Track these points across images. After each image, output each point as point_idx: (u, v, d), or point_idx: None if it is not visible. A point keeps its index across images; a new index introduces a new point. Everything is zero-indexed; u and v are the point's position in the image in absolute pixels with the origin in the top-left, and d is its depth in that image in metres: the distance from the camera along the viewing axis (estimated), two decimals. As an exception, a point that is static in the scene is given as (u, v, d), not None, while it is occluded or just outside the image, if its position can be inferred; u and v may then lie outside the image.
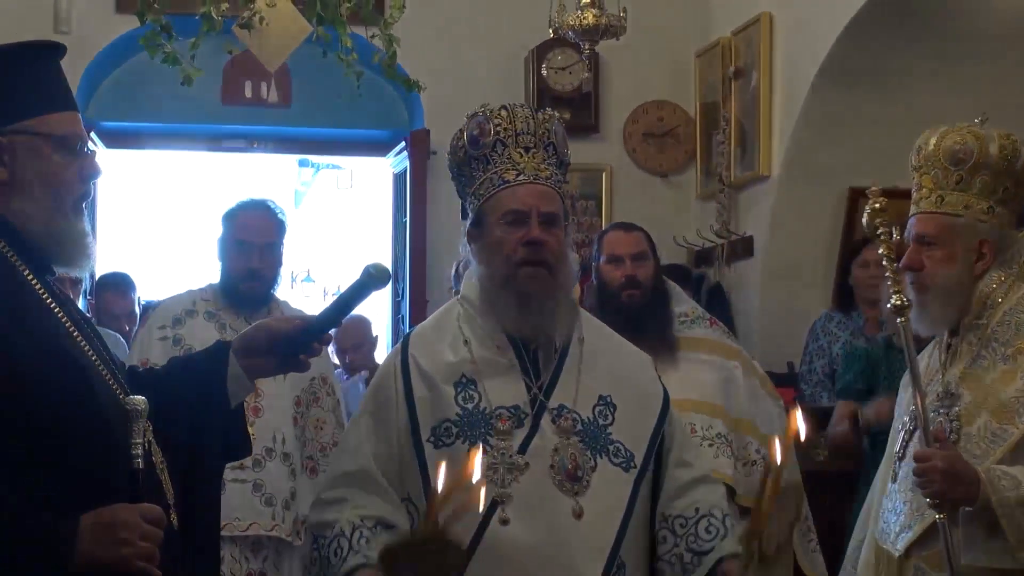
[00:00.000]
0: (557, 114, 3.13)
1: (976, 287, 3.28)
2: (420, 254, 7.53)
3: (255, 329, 2.72)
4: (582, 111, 7.66)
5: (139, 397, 2.37)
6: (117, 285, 6.65)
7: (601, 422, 2.93)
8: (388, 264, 7.98)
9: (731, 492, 4.58)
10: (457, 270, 6.13)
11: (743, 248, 7.23)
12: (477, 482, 2.16)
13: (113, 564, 2.25)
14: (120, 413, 2.38)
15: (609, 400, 2.97)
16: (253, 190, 5.82)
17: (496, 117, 2.97)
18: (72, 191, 2.50)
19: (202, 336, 4.66)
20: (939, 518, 3.06)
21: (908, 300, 3.16)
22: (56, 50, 2.59)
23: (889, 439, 3.56)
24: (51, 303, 2.44)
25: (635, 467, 2.91)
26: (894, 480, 3.32)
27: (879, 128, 6.65)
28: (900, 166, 6.66)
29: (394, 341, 7.88)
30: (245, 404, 4.54)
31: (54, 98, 2.52)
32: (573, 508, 2.82)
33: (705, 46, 7.62)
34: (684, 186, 7.83)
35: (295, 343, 2.66)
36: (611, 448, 2.91)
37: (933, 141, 3.31)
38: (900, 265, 3.33)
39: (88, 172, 2.53)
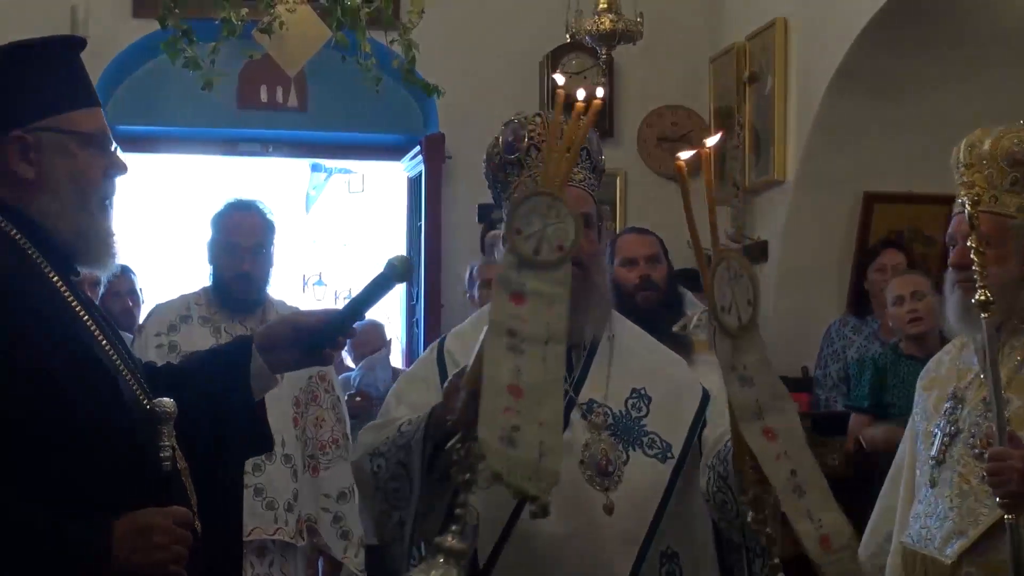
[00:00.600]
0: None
1: (1022, 291, 3.26)
2: (435, 258, 7.55)
3: (279, 323, 2.73)
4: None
5: (167, 400, 2.38)
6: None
7: (635, 414, 2.95)
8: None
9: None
10: (471, 274, 6.17)
11: (758, 253, 7.22)
12: None
13: (148, 568, 2.26)
14: (146, 416, 2.38)
15: (643, 392, 2.98)
16: (266, 194, 5.83)
17: (531, 123, 3.00)
18: (98, 189, 2.49)
19: (198, 341, 4.67)
20: (1008, 519, 3.03)
21: (992, 297, 3.09)
22: (78, 45, 2.58)
23: (908, 443, 3.55)
24: (77, 306, 2.43)
25: (672, 457, 2.92)
26: (933, 485, 3.30)
27: (894, 133, 6.66)
28: (915, 171, 6.76)
29: (408, 345, 7.90)
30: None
31: (78, 94, 2.51)
32: (604, 504, 2.83)
33: (720, 51, 7.62)
34: (698, 190, 7.79)
35: (319, 336, 2.65)
36: (645, 440, 2.92)
37: (989, 140, 3.28)
38: (950, 262, 3.31)
39: (114, 169, 2.52)
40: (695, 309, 4.92)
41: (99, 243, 2.50)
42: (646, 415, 2.95)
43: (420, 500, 2.75)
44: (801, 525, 2.38)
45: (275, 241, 4.81)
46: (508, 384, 2.27)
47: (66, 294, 2.44)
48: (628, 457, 2.89)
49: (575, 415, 2.91)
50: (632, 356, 3.05)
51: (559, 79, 2.67)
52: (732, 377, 2.36)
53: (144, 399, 2.44)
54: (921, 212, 6.95)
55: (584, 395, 2.95)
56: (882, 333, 6.21)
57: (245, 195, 5.00)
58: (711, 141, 2.56)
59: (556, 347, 2.37)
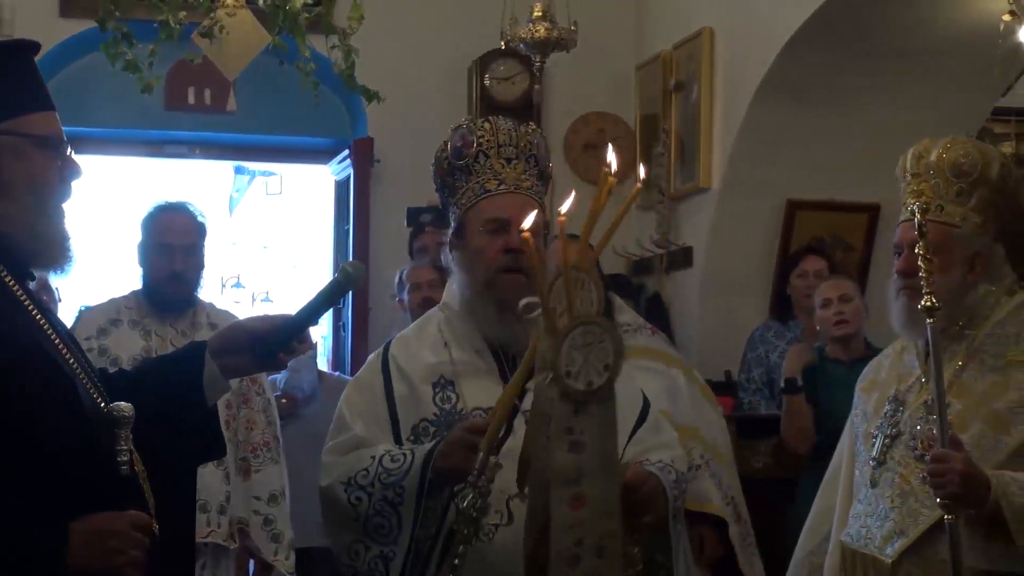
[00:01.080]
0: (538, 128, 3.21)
1: (965, 298, 3.35)
2: (363, 262, 7.54)
3: (233, 328, 2.72)
4: (524, 121, 7.69)
5: (125, 404, 2.38)
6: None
7: None
8: (328, 271, 8.02)
9: None
10: (401, 278, 6.20)
11: (682, 259, 7.32)
12: None
13: (105, 572, 2.25)
14: (104, 420, 2.38)
15: None
16: (191, 197, 5.80)
17: (479, 129, 3.06)
18: (54, 192, 2.48)
19: (127, 345, 4.68)
20: (948, 519, 3.11)
21: (939, 303, 3.16)
22: (31, 48, 2.56)
23: (847, 444, 3.64)
24: (33, 310, 2.43)
25: None
26: (873, 485, 3.39)
27: (817, 142, 6.77)
28: (836, 179, 6.89)
29: (335, 348, 7.90)
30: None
31: (33, 97, 2.49)
32: None
33: (646, 59, 7.70)
34: (623, 197, 7.85)
35: (273, 342, 2.66)
36: None
37: (936, 151, 3.36)
38: (896, 268, 3.39)
39: (69, 173, 2.51)
40: (624, 315, 4.99)
41: (56, 246, 2.49)
42: None
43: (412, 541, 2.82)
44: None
45: (206, 243, 4.81)
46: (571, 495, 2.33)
47: (22, 298, 2.43)
48: None
49: (519, 422, 2.92)
50: None
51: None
52: (563, 441, 2.35)
53: (102, 403, 2.44)
54: (842, 220, 7.10)
55: (528, 402, 2.93)
56: (804, 338, 6.31)
57: (174, 197, 4.99)
58: (610, 155, 2.55)
59: (614, 486, 2.40)
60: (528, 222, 2.57)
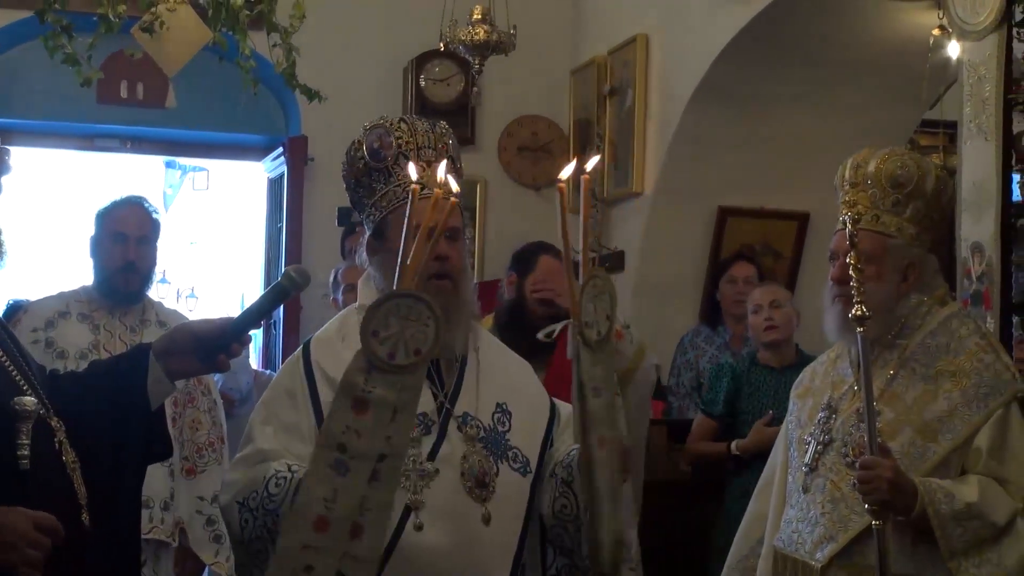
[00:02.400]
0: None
1: (897, 307, 3.41)
2: (295, 260, 7.52)
3: (178, 331, 2.73)
4: (459, 123, 7.74)
5: (28, 399, 2.38)
6: None
7: (500, 429, 2.99)
8: (259, 268, 7.99)
9: None
10: (336, 277, 6.19)
11: (614, 262, 7.35)
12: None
13: None
14: (4, 414, 2.39)
15: (505, 407, 3.02)
16: (123, 191, 5.77)
17: (397, 130, 2.99)
18: None
19: (75, 338, 4.66)
20: (875, 525, 3.16)
21: (869, 312, 3.20)
22: None
23: (781, 450, 3.69)
24: None
25: (530, 472, 2.99)
26: (805, 491, 3.43)
27: (749, 149, 6.85)
28: (768, 187, 6.97)
29: (266, 347, 7.87)
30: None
31: None
32: (483, 514, 2.88)
33: (581, 64, 7.75)
34: (556, 200, 7.92)
35: (216, 344, 2.68)
36: (510, 454, 2.97)
37: (875, 161, 3.41)
38: (830, 276, 3.45)
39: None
40: None
41: None
42: (509, 430, 3.00)
43: None
44: (602, 532, 2.58)
45: (159, 239, 4.81)
46: (316, 516, 2.35)
47: None
48: (498, 469, 2.93)
49: (452, 427, 2.94)
50: (495, 371, 3.09)
51: (412, 173, 2.66)
52: (588, 388, 2.46)
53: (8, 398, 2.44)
54: (771, 227, 7.19)
55: (459, 407, 2.97)
56: (732, 344, 6.39)
57: (121, 193, 4.98)
58: (591, 164, 2.64)
59: (394, 462, 2.44)
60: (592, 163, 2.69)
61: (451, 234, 2.97)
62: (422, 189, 2.91)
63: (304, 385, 2.96)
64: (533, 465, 3.00)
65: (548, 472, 3.02)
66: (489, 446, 2.95)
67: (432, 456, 2.90)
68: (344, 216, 6.98)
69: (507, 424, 3.01)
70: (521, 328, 4.70)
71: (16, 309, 6.03)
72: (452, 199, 2.61)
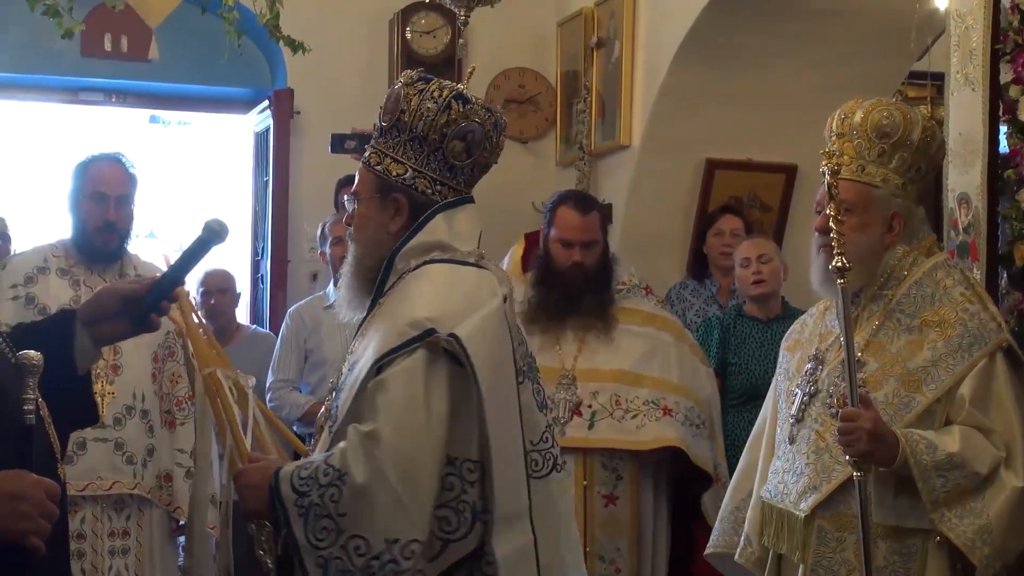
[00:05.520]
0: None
1: (883, 258, 3.41)
2: (282, 214, 7.50)
3: (104, 295, 2.70)
4: (445, 75, 7.67)
5: (34, 352, 2.34)
6: None
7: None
8: (246, 222, 7.96)
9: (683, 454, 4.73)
10: (323, 230, 6.18)
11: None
12: None
13: (8, 536, 2.22)
14: (10, 369, 2.37)
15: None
16: (106, 145, 5.73)
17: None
18: None
19: (56, 293, 4.64)
20: (856, 476, 3.19)
21: (848, 263, 3.21)
22: None
23: (772, 402, 3.70)
24: None
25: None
26: (792, 442, 3.45)
27: (736, 102, 6.82)
28: (754, 139, 6.95)
29: (252, 301, 7.85)
30: (104, 363, 4.55)
31: None
32: None
33: (567, 16, 7.70)
34: (544, 153, 7.92)
35: (145, 304, 2.67)
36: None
37: (861, 112, 3.41)
38: (814, 226, 3.44)
39: None
40: (622, 274, 5.04)
41: None
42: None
43: None
44: None
45: (136, 195, 4.78)
46: None
47: None
48: None
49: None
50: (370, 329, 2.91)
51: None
52: None
53: (10, 354, 2.43)
54: (759, 179, 7.16)
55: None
56: (719, 296, 6.39)
57: (105, 149, 4.95)
58: None
59: None
60: None
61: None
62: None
63: None
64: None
65: None
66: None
67: None
68: (337, 143, 6.83)
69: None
70: (548, 283, 4.77)
71: None
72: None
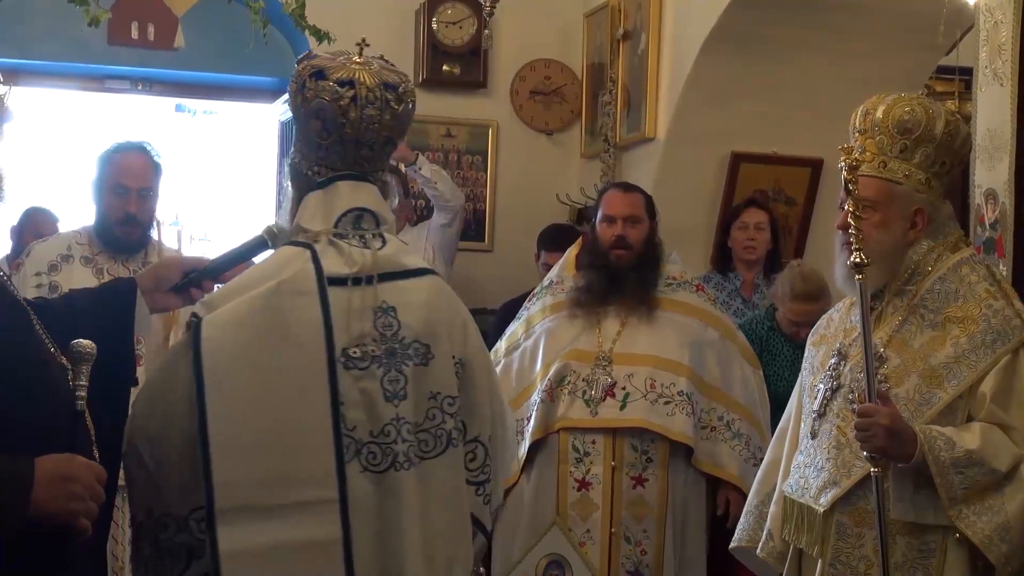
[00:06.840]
0: None
1: (906, 254, 3.38)
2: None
3: (165, 266, 2.81)
4: (471, 66, 7.70)
5: (87, 341, 2.37)
6: None
7: None
8: (270, 211, 7.98)
9: (688, 451, 4.74)
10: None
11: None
12: None
13: (60, 517, 2.24)
14: (67, 356, 2.39)
15: None
16: (132, 134, 5.75)
17: None
18: None
19: (79, 281, 4.61)
20: (873, 472, 3.17)
21: (867, 259, 3.20)
22: None
23: (797, 397, 3.68)
24: None
25: None
26: (813, 437, 3.43)
27: (762, 95, 6.79)
28: (780, 132, 6.92)
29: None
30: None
31: None
32: None
33: (594, 7, 7.68)
34: (569, 144, 7.92)
35: (193, 278, 2.82)
36: None
37: (883, 108, 3.38)
38: (836, 224, 3.42)
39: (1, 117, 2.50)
40: (674, 268, 5.05)
41: None
42: None
43: None
44: None
45: (160, 184, 4.78)
46: None
47: None
48: None
49: None
50: None
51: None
52: None
53: (47, 339, 2.43)
54: (784, 173, 7.14)
55: None
56: (743, 290, 6.37)
57: (126, 137, 4.95)
58: None
59: None
60: None
61: None
62: None
63: None
64: None
65: None
66: None
67: None
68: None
69: None
70: (594, 265, 4.81)
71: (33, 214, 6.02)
72: None
